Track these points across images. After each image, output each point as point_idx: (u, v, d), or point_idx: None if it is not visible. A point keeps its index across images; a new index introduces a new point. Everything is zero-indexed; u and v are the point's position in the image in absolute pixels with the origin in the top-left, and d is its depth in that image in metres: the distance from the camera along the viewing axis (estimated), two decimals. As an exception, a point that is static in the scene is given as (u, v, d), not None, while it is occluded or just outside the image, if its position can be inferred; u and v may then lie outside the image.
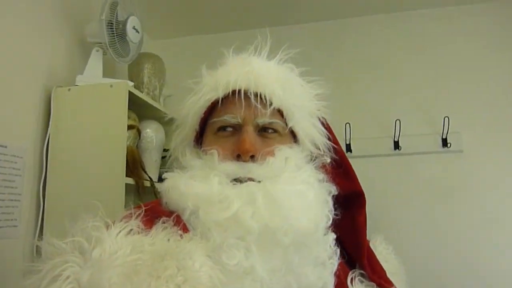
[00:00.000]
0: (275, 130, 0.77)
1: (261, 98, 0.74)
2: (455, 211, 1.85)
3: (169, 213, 0.66)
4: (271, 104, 0.74)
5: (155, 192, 1.50)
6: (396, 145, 1.94)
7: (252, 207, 0.64)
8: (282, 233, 0.63)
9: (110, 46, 1.47)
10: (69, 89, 1.43)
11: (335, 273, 0.71)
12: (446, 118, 1.84)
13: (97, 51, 1.52)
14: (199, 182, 0.69)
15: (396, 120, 1.89)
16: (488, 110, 1.91)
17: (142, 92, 1.66)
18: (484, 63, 1.95)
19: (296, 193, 0.68)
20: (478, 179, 1.86)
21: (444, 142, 1.89)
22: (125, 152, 1.37)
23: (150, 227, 0.59)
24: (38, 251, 0.58)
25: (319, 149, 0.80)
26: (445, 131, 1.87)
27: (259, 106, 0.73)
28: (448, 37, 2.01)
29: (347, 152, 1.94)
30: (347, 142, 1.95)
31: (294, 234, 0.64)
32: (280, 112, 0.77)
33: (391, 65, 2.05)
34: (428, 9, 2.05)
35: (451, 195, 1.87)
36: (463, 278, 1.78)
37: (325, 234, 0.72)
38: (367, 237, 0.86)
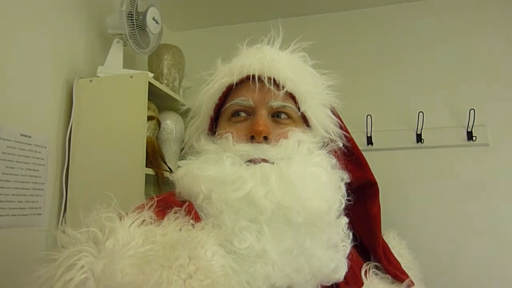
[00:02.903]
0: (288, 116, 0.78)
1: (274, 82, 0.75)
2: (480, 207, 1.79)
3: (181, 204, 0.66)
4: (283, 87, 0.75)
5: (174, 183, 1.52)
6: (419, 138, 1.89)
7: (265, 187, 0.64)
8: (294, 212, 0.63)
9: (130, 37, 1.48)
10: (90, 80, 1.46)
11: (347, 257, 0.70)
12: (472, 111, 1.78)
13: (118, 42, 1.54)
14: (212, 165, 0.70)
15: (419, 112, 1.84)
16: (515, 102, 1.83)
17: (161, 83, 1.67)
18: (511, 53, 1.87)
19: (309, 174, 0.68)
20: (504, 173, 1.79)
21: (469, 135, 1.83)
22: (145, 143, 1.39)
23: (162, 218, 0.59)
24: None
25: (331, 135, 0.80)
26: (470, 124, 1.81)
27: (272, 88, 0.74)
28: (474, 27, 1.94)
29: (368, 144, 1.90)
30: (368, 135, 1.91)
31: (307, 214, 0.64)
32: (292, 98, 0.78)
33: (414, 55, 1.99)
34: (454, -3, 1.98)
35: (475, 190, 1.81)
36: (482, 279, 1.72)
37: (337, 218, 0.71)
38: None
